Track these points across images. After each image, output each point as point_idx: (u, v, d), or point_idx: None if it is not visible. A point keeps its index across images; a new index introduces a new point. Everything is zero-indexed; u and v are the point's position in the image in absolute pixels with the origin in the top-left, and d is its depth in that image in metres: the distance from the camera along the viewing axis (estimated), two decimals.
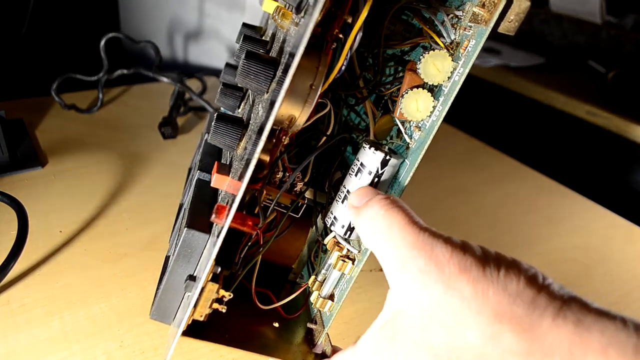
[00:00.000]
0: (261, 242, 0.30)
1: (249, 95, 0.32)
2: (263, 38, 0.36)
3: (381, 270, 0.44)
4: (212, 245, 0.26)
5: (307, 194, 0.33)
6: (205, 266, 0.25)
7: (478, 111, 1.08)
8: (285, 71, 0.21)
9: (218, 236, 0.24)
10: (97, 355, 0.33)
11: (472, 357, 0.19)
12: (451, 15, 0.26)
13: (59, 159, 0.54)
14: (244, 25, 0.35)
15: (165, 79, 0.66)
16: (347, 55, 0.25)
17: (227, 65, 0.37)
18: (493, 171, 0.66)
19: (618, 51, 1.07)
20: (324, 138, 0.30)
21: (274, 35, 0.32)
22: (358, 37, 0.24)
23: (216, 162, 0.27)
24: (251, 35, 0.31)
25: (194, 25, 0.89)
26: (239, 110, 0.33)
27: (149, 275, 0.40)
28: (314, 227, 0.34)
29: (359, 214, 0.24)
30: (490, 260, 0.20)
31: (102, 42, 0.64)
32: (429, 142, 0.25)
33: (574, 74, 1.06)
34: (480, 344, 0.19)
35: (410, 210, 0.22)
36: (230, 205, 0.24)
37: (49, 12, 0.89)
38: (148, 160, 0.56)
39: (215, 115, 0.27)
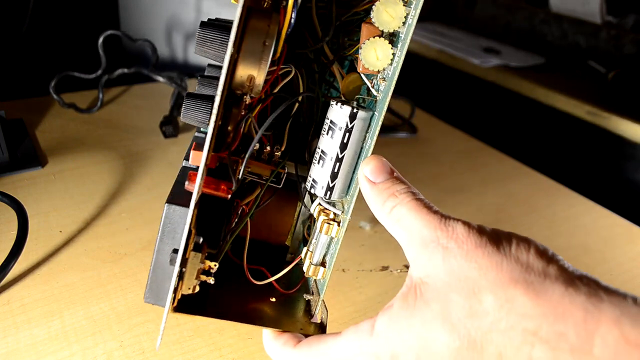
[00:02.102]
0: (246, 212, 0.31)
1: None
2: None
3: (382, 270, 0.44)
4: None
5: (291, 170, 0.33)
6: (182, 235, 0.25)
7: (478, 111, 1.08)
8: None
9: (195, 206, 0.24)
10: (97, 355, 0.33)
11: (488, 325, 0.21)
12: None
13: (59, 159, 0.54)
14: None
15: (161, 79, 0.66)
16: (292, 7, 0.26)
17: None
18: (493, 171, 0.66)
19: (618, 51, 1.07)
20: (297, 105, 0.31)
21: None
22: None
23: (194, 142, 0.27)
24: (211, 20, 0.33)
25: (194, 24, 0.89)
26: None
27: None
28: (302, 201, 0.35)
29: (384, 204, 0.25)
30: (503, 238, 0.23)
31: (100, 40, 0.63)
32: (391, 89, 0.26)
33: (574, 74, 1.06)
34: (496, 309, 0.20)
35: (430, 203, 0.25)
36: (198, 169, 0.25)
37: (49, 12, 0.89)
38: (148, 160, 0.56)
39: (185, 94, 0.27)
